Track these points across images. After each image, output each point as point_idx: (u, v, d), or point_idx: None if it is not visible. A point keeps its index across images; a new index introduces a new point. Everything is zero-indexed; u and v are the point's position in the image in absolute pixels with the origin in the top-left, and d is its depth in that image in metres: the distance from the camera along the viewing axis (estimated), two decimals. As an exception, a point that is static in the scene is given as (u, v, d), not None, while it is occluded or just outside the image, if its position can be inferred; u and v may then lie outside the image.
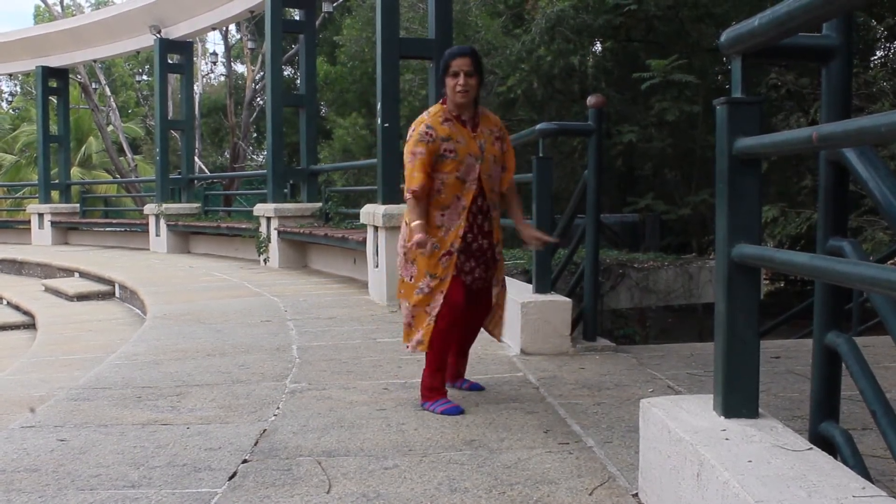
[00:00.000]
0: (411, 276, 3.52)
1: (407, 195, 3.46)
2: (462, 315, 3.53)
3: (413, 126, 3.53)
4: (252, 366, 4.47)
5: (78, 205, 17.38)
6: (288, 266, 10.30)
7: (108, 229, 16.56)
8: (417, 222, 3.39)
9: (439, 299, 3.45)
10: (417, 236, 3.32)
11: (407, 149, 3.48)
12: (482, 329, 3.84)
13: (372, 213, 7.00)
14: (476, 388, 3.80)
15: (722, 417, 2.12)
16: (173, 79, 18.40)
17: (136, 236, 15.19)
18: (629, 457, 2.78)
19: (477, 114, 3.55)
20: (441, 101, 3.55)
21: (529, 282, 5.11)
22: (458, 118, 3.49)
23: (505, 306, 3.80)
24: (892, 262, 5.26)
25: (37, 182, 17.96)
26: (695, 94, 10.97)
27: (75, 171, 23.38)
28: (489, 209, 3.55)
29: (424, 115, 3.53)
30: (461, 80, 3.40)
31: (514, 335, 4.69)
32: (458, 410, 3.42)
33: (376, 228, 6.95)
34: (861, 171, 1.96)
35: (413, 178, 3.42)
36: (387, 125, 7.10)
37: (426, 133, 3.43)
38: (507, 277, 5.73)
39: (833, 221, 2.16)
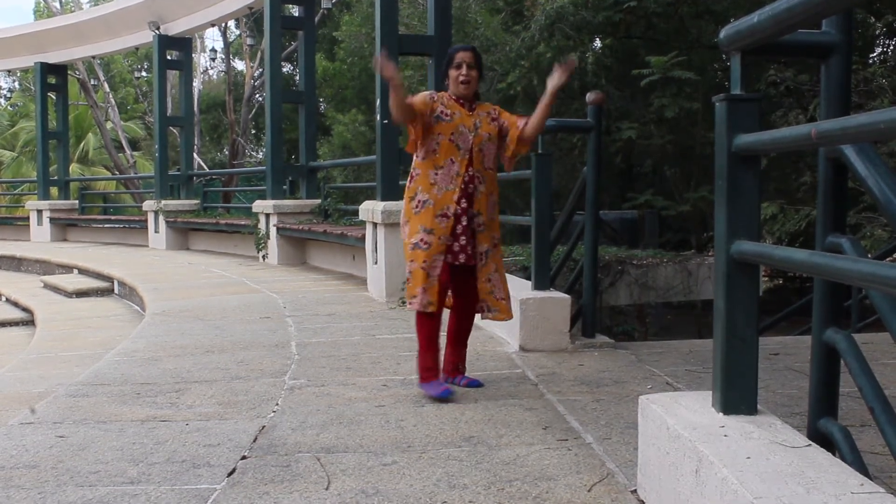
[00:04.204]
0: (406, 235, 3.71)
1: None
2: (444, 295, 3.67)
3: None
4: (251, 362, 4.47)
5: (77, 201, 17.37)
6: (287, 263, 10.30)
7: (106, 226, 16.54)
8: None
9: (439, 261, 3.60)
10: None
11: None
12: (486, 320, 3.90)
13: (371, 209, 6.99)
14: (474, 384, 3.81)
15: (720, 414, 2.12)
16: (172, 75, 18.37)
17: (134, 233, 15.19)
18: (628, 453, 2.78)
19: (475, 103, 3.82)
20: None
21: (528, 278, 5.11)
22: (458, 101, 3.75)
23: (504, 285, 3.82)
24: (890, 258, 5.26)
25: (36, 178, 17.94)
26: (694, 91, 10.97)
27: (74, 168, 23.33)
28: (477, 182, 3.69)
29: None
30: (464, 70, 3.70)
31: (512, 331, 4.69)
32: (447, 393, 3.55)
33: (375, 225, 6.95)
34: (860, 168, 1.96)
35: None
36: (386, 122, 7.09)
37: (431, 93, 3.76)
38: (506, 274, 5.74)
39: (832, 218, 2.16)
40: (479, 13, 13.27)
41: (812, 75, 9.34)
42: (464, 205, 3.65)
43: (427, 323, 3.64)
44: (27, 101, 28.44)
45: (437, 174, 3.66)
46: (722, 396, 2.13)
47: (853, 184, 2.25)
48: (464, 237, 3.66)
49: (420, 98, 3.67)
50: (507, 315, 3.83)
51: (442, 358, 3.81)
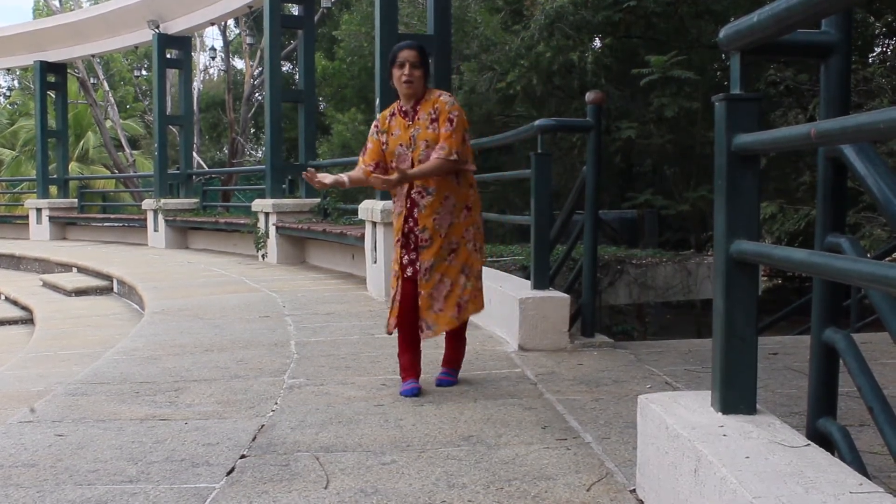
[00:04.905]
0: None
1: None
2: (408, 309, 3.70)
3: None
4: (250, 361, 4.47)
5: (76, 200, 17.36)
6: (286, 262, 10.29)
7: (106, 224, 16.53)
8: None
9: (398, 285, 3.71)
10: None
11: None
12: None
13: (370, 208, 6.99)
14: (444, 383, 3.83)
15: (720, 414, 2.12)
16: (172, 74, 18.37)
17: (134, 231, 15.18)
18: (627, 453, 2.78)
19: (419, 101, 3.66)
20: None
21: (527, 278, 5.11)
22: (401, 109, 3.70)
23: (453, 294, 3.72)
24: (890, 258, 5.26)
25: (35, 177, 17.93)
26: (694, 91, 10.95)
27: (74, 166, 23.32)
28: (419, 197, 3.66)
29: None
30: (406, 70, 3.58)
31: (511, 331, 4.69)
32: (411, 392, 3.62)
33: (374, 224, 6.95)
34: (859, 168, 1.96)
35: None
36: (385, 121, 7.09)
37: (374, 126, 3.81)
38: (504, 273, 5.75)
39: (831, 218, 2.16)
40: (478, 12, 13.26)
41: (812, 75, 9.33)
42: (410, 224, 3.69)
43: (398, 337, 3.79)
44: (27, 99, 28.43)
45: (394, 202, 3.81)
46: (721, 396, 2.13)
47: (852, 183, 2.25)
48: (413, 254, 3.69)
49: (373, 155, 3.74)
50: (445, 326, 3.72)
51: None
